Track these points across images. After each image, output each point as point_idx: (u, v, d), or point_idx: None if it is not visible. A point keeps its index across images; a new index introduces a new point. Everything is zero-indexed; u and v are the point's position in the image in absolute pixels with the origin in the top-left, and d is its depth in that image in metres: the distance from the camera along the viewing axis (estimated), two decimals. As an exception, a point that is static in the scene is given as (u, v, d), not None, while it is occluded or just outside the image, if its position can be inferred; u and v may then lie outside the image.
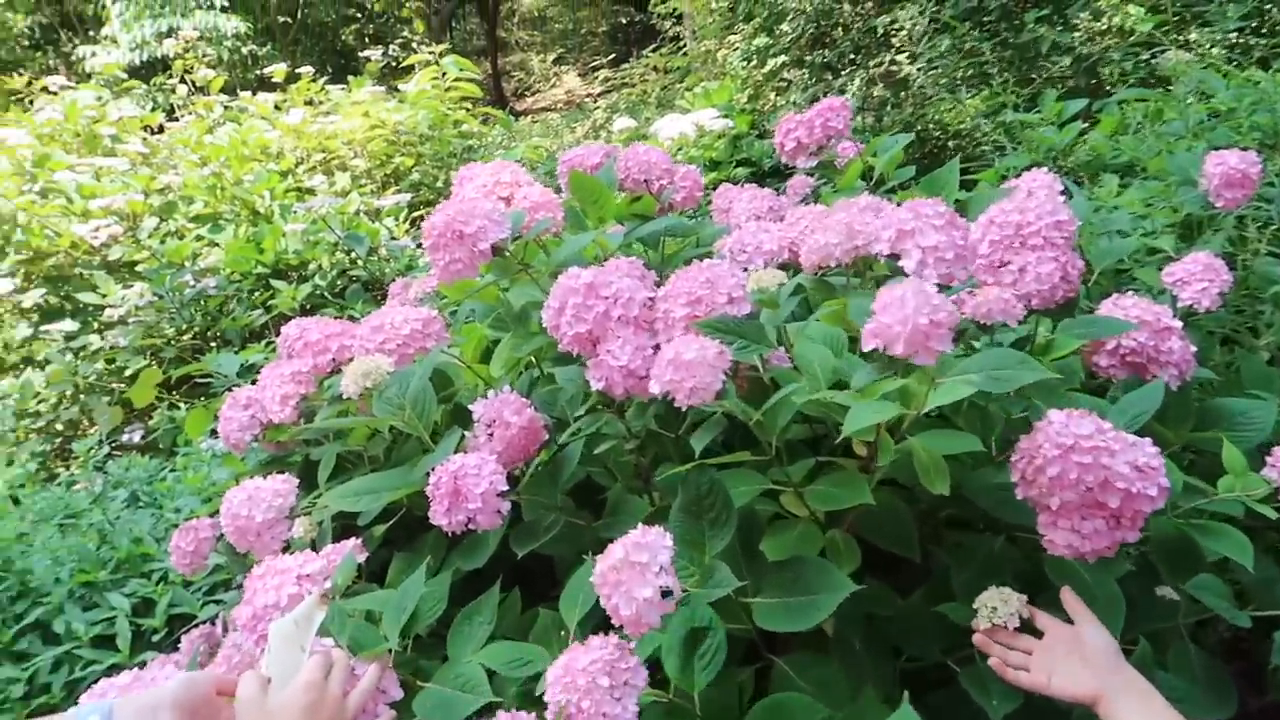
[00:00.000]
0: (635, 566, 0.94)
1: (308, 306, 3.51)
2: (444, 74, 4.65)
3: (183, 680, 0.93)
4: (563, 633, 1.07)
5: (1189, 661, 1.20)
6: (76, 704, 1.94)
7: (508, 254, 1.32)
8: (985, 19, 3.67)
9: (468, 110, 4.94)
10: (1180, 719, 0.91)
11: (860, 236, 1.18)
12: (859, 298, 1.15)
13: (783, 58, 5.23)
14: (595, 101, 8.11)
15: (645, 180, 1.66)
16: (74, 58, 9.45)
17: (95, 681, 1.97)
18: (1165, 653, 1.21)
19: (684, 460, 1.36)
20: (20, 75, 5.44)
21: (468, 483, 1.14)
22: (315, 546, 1.51)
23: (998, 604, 1.04)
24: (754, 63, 5.54)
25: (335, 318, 1.69)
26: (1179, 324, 1.37)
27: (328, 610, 0.99)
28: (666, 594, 0.94)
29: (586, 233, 1.45)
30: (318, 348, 1.46)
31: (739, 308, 1.11)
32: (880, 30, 4.08)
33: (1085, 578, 1.15)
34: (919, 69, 4.02)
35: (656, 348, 1.13)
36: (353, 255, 3.75)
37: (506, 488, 1.16)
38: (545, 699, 0.97)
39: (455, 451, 1.22)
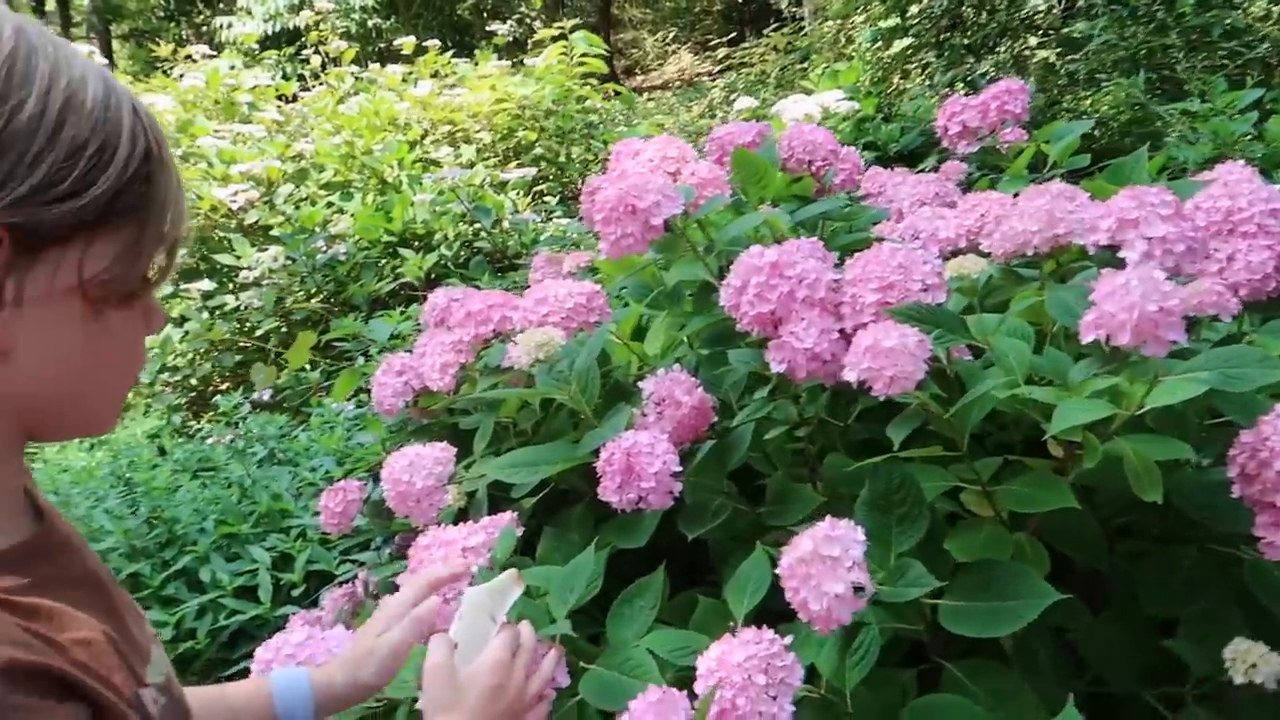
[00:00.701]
0: (826, 560, 0.90)
1: (433, 276, 3.57)
2: (571, 49, 4.66)
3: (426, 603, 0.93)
4: (731, 625, 1.04)
5: None
6: (223, 649, 2.01)
7: (676, 231, 1.30)
8: (1142, 1, 3.48)
9: (592, 86, 4.94)
10: None
11: (1062, 225, 1.12)
12: (1060, 291, 1.08)
13: (911, 39, 5.07)
14: (712, 80, 8.03)
15: (809, 161, 1.61)
16: (205, 29, 9.82)
17: (239, 631, 2.05)
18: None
19: (850, 450, 1.32)
20: (160, 44, 5.67)
21: (641, 461, 1.12)
22: (464, 515, 1.52)
23: (1256, 660, 0.91)
24: (880, 44, 5.39)
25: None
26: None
27: (522, 588, 0.98)
28: (858, 591, 0.91)
29: (753, 213, 1.41)
30: (480, 318, 1.46)
31: (934, 295, 1.06)
32: (1023, 13, 3.91)
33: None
34: (1061, 53, 3.85)
35: (841, 332, 1.09)
36: (476, 227, 3.80)
37: (680, 468, 1.14)
38: (696, 690, 0.95)
39: (624, 429, 1.20)
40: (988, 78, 4.05)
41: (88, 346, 0.58)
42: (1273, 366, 0.89)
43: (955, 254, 1.41)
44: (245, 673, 1.92)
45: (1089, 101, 4.26)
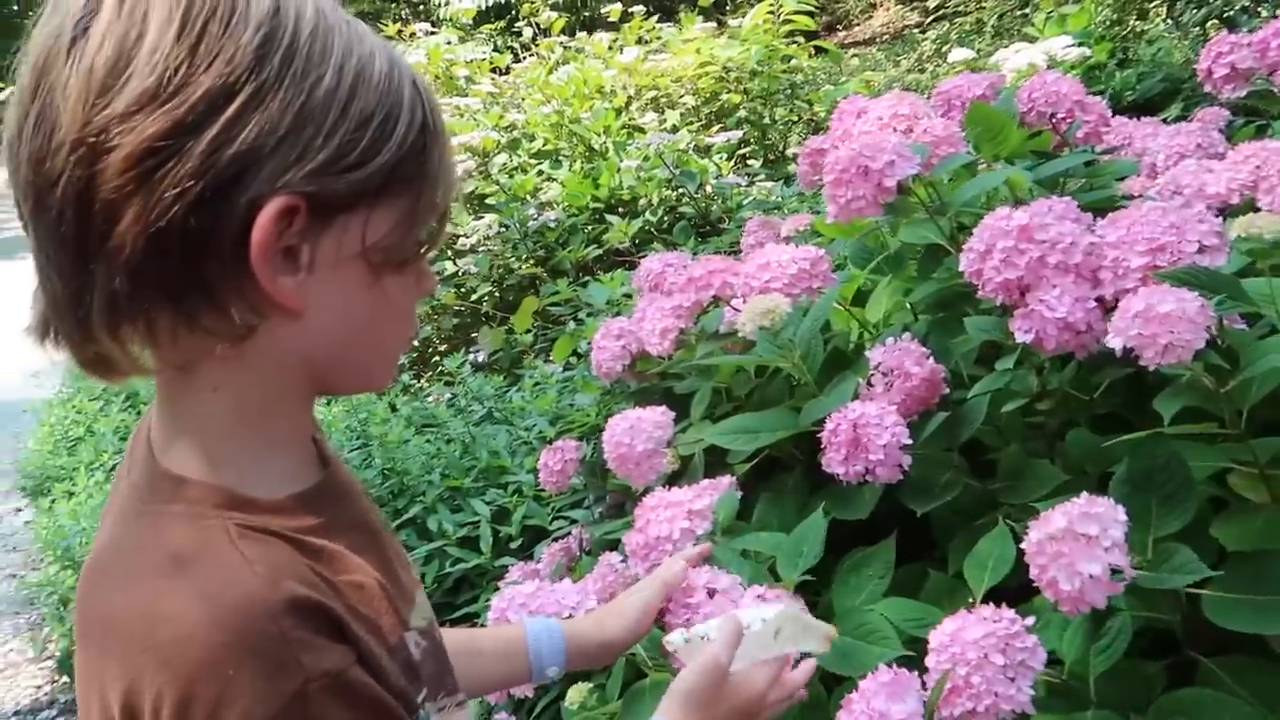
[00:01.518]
0: (1081, 539, 0.84)
1: (637, 241, 3.62)
2: (779, 6, 4.56)
3: (727, 621, 0.92)
4: (970, 601, 1.00)
5: None
6: (447, 594, 2.14)
7: (910, 192, 1.24)
8: None
9: (798, 45, 4.82)
10: None
11: (1368, 177, 0.98)
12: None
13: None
14: (921, 32, 7.65)
15: (1051, 113, 1.50)
16: (423, 6, 10.32)
17: (462, 578, 2.16)
18: None
19: (1094, 425, 1.23)
20: (385, 25, 6.01)
21: (869, 432, 1.09)
22: (677, 478, 1.54)
23: None
24: (1114, -17, 4.94)
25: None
26: None
27: (824, 649, 0.94)
28: (1116, 574, 0.84)
29: (994, 173, 1.33)
30: (700, 283, 1.46)
31: (1213, 257, 0.96)
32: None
33: None
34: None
35: (1099, 300, 1.01)
36: (680, 192, 3.81)
37: (910, 441, 1.10)
38: (927, 664, 0.91)
39: (850, 399, 1.17)
40: (1257, 17, 3.61)
41: (368, 309, 0.62)
42: None
43: (1225, 210, 1.27)
44: (468, 618, 2.05)
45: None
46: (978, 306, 1.27)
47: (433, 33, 5.44)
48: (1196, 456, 1.01)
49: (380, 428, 2.63)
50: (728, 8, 5.10)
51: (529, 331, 3.18)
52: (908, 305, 1.51)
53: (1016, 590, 1.01)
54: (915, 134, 1.37)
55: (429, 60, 4.98)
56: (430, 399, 3.36)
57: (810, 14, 4.69)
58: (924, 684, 0.91)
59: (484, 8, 8.05)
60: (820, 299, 1.30)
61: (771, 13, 4.57)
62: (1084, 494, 0.87)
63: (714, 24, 4.83)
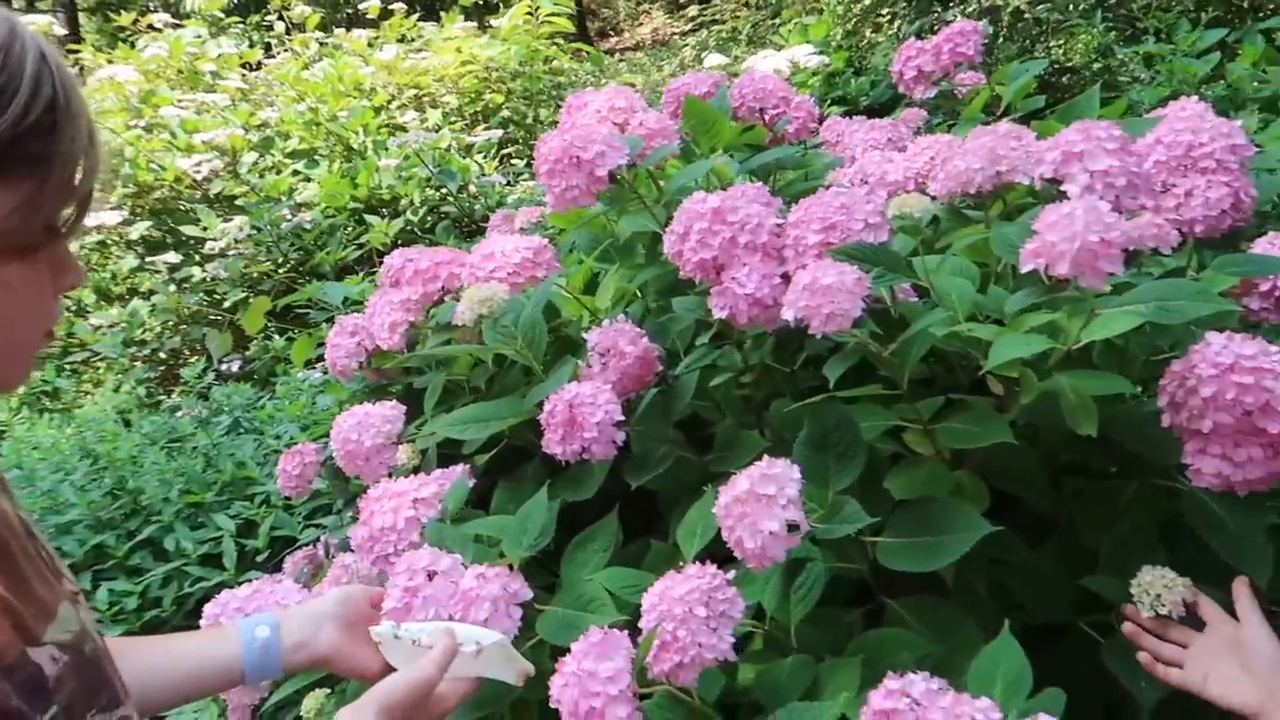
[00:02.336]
0: (761, 499, 0.90)
1: (399, 242, 3.54)
2: (537, 9, 4.59)
3: (340, 593, 0.92)
4: (680, 564, 1.04)
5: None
6: (188, 617, 2.01)
7: (624, 182, 1.28)
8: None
9: (559, 47, 4.87)
10: None
11: (1004, 162, 1.11)
12: (1004, 228, 1.08)
13: (882, -8, 5.01)
14: (683, 39, 7.95)
15: (760, 109, 1.59)
16: (171, -2, 9.61)
17: (204, 598, 2.05)
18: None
19: (798, 396, 1.31)
20: (125, 13, 5.55)
21: (584, 412, 1.12)
22: (418, 473, 1.52)
23: (1161, 590, 0.93)
24: (850, -2, 5.32)
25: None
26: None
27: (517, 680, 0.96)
28: (793, 529, 0.90)
29: (701, 161, 1.40)
30: (427, 275, 1.44)
31: (876, 234, 1.05)
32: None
33: (1226, 522, 1.07)
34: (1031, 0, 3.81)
35: (785, 276, 1.08)
36: (443, 191, 3.76)
37: (622, 418, 1.14)
38: (640, 626, 0.95)
39: (569, 381, 1.19)
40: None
41: None
42: (1205, 299, 0.89)
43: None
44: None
45: (1061, 49, 4.23)
46: (693, 288, 1.33)
47: (179, 25, 5.07)
48: (874, 417, 1.10)
49: (109, 445, 2.43)
50: (496, 7, 5.06)
51: (284, 336, 3.04)
52: (636, 291, 1.57)
53: (730, 554, 1.06)
54: (631, 127, 1.42)
55: (170, 54, 4.65)
56: (180, 413, 3.13)
57: (569, 16, 4.74)
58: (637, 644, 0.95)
59: (235, 1, 7.60)
60: (541, 285, 1.32)
61: (530, 13, 4.59)
62: (765, 456, 0.93)
63: (475, 24, 4.79)
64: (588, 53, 5.34)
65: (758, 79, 1.57)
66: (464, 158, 3.90)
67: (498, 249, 1.37)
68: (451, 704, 0.87)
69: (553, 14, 4.57)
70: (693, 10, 8.18)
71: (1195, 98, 1.43)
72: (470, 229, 3.64)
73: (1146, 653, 0.93)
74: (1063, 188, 0.99)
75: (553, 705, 0.89)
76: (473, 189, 3.73)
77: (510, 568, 1.06)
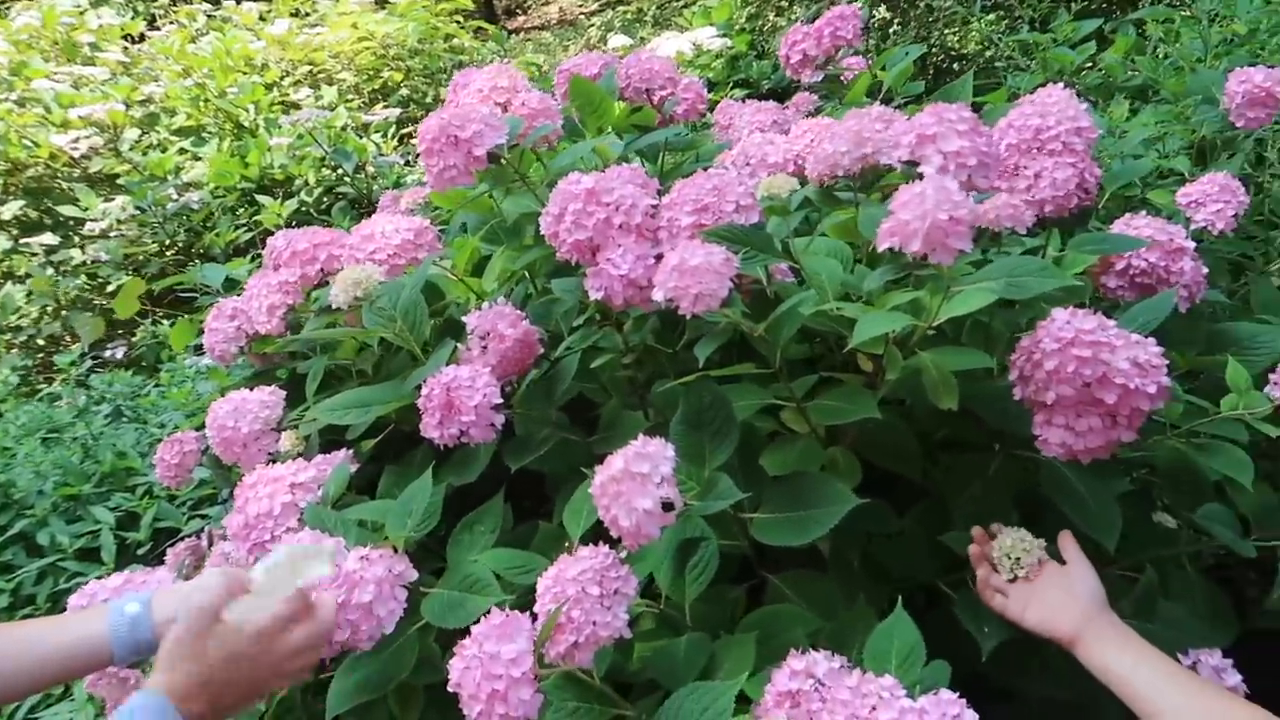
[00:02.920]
0: (636, 478, 0.91)
1: (294, 223, 3.44)
2: (436, -16, 4.50)
3: (217, 573, 0.89)
4: (567, 545, 1.05)
5: (1192, 589, 1.19)
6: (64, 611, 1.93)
7: (504, 162, 1.27)
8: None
9: (460, 24, 4.78)
10: (1161, 655, 0.87)
11: (869, 144, 1.13)
12: (870, 208, 1.11)
13: (783, -25, 5.06)
14: (590, 20, 7.89)
15: (647, 90, 1.59)
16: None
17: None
18: (1164, 581, 1.20)
19: (680, 376, 1.33)
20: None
21: (461, 395, 1.11)
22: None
23: (1020, 554, 0.98)
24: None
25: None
26: (1191, 245, 1.33)
27: (331, 566, 0.93)
28: (668, 506, 0.92)
29: (583, 142, 1.39)
30: (305, 257, 1.41)
31: (747, 216, 1.06)
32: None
33: (1080, 490, 1.12)
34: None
35: (659, 257, 1.09)
36: (339, 171, 3.67)
37: (500, 400, 1.13)
38: (535, 610, 0.95)
39: (448, 364, 1.18)
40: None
41: None
42: (1051, 274, 0.93)
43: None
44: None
45: (955, 37, 4.35)
46: (578, 269, 1.33)
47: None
48: (749, 395, 1.12)
49: (-23, 437, 2.31)
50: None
51: (156, 321, 2.92)
52: (525, 273, 1.56)
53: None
54: (513, 107, 1.40)
55: (44, 24, 4.40)
56: (60, 402, 2.99)
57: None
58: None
59: (118, -31, 7.23)
60: (419, 267, 1.30)
61: (428, -11, 4.50)
62: (640, 435, 0.94)
63: (371, -1, 4.67)
64: (489, 30, 5.25)
65: (643, 59, 1.58)
66: (361, 137, 3.80)
67: (378, 230, 1.34)
68: (266, 624, 0.83)
69: (451, -10, 4.49)
70: (599, -11, 8.14)
71: (1062, 85, 1.49)
72: (368, 210, 3.56)
73: (982, 577, 0.99)
74: (920, 169, 1.02)
75: (452, 689, 0.89)
76: (370, 169, 3.64)
77: (394, 550, 1.04)
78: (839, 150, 1.14)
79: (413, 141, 4.17)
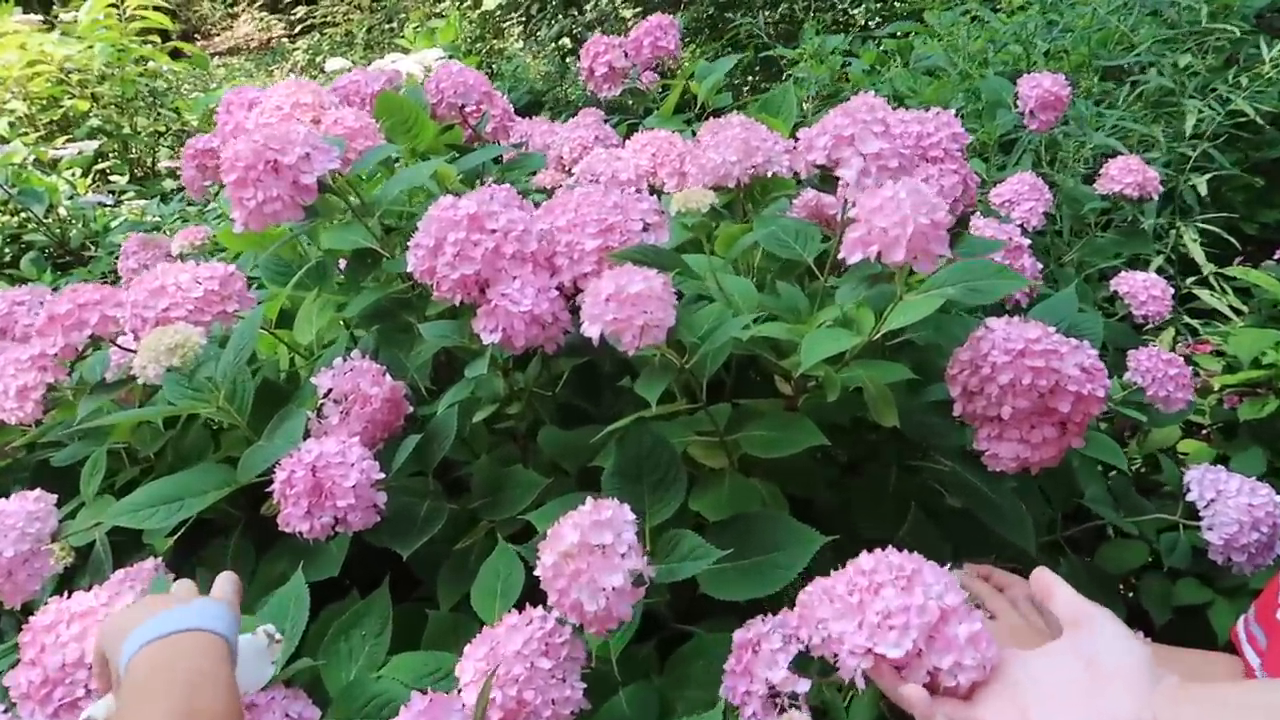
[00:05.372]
0: (596, 551, 0.76)
1: (-30, 282, 2.86)
2: (123, 2, 3.94)
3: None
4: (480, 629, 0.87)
5: (1078, 572, 1.23)
6: None
7: (338, 191, 1.07)
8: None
9: (155, 46, 4.24)
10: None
11: (759, 154, 1.06)
12: (775, 221, 1.03)
13: (501, -2, 4.99)
14: (293, 43, 7.35)
15: (461, 105, 1.43)
16: None
17: None
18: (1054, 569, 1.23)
19: (563, 423, 1.19)
20: None
21: (332, 475, 0.90)
22: (73, 578, 1.18)
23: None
24: (469, 2, 5.25)
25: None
26: (1027, 243, 1.39)
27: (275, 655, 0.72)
28: (638, 580, 0.78)
29: (422, 164, 1.22)
30: (68, 321, 1.10)
31: (657, 235, 0.95)
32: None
33: (991, 497, 1.12)
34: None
35: (559, 288, 0.95)
36: (23, 216, 3.10)
37: (381, 475, 0.93)
38: (464, 699, 0.78)
39: (302, 438, 0.96)
40: (595, 29, 4.09)
41: None
42: (1007, 276, 0.90)
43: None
44: None
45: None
46: (423, 312, 1.15)
47: None
48: (669, 434, 1.00)
49: None
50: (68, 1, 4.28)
51: None
52: (342, 322, 1.34)
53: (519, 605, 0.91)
54: (325, 126, 1.20)
55: None
56: None
57: (164, 10, 4.15)
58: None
59: None
60: (240, 325, 1.06)
61: (114, 6, 3.94)
62: (588, 499, 0.80)
63: (40, 17, 4.01)
64: (192, 53, 4.71)
65: (456, 72, 1.42)
66: (48, 175, 3.24)
67: (170, 282, 1.08)
68: None
69: (141, 7, 3.95)
70: (299, 11, 7.61)
71: (871, 91, 1.51)
72: (66, 260, 3.04)
73: None
74: (837, 173, 0.96)
75: None
76: (64, 212, 3.11)
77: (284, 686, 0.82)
78: (728, 160, 1.05)
79: (113, 178, 3.63)
